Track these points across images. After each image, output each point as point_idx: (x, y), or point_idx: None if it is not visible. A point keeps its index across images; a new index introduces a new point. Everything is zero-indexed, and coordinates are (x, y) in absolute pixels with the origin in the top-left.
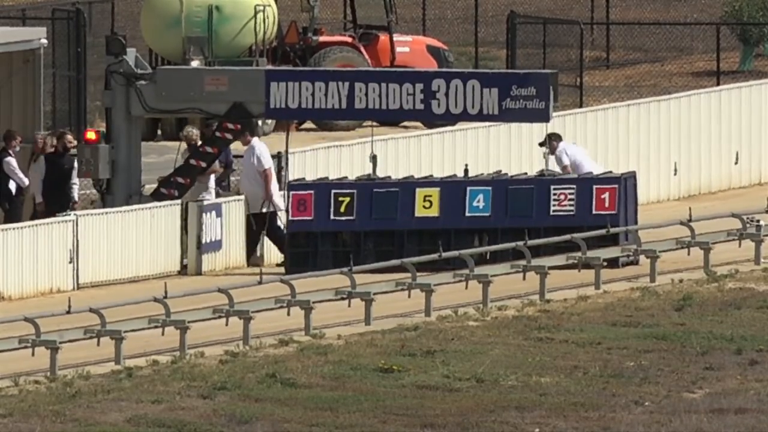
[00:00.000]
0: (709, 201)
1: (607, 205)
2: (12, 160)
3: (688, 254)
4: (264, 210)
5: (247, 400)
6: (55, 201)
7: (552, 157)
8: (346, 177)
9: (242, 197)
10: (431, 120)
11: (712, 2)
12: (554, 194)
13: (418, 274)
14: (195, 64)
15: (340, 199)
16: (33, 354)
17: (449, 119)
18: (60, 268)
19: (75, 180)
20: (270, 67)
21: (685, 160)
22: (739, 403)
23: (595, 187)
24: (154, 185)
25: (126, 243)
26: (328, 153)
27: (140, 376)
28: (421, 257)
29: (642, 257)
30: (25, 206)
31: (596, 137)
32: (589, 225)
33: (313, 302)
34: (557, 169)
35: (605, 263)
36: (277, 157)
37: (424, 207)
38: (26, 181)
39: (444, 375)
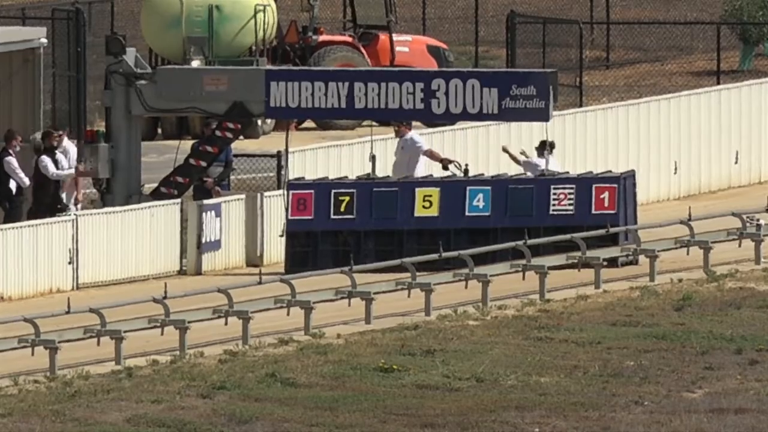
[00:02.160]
0: (709, 200)
1: (606, 204)
2: (13, 160)
3: (688, 254)
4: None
5: (246, 400)
6: (40, 202)
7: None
8: (346, 176)
9: (243, 197)
10: (431, 120)
11: (712, 2)
12: (554, 194)
13: (417, 273)
14: (195, 63)
15: (340, 198)
16: (33, 354)
17: (449, 119)
18: (60, 268)
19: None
20: (270, 66)
21: (685, 159)
22: (738, 402)
23: (594, 186)
24: (154, 185)
25: (126, 243)
26: (328, 153)
27: (140, 375)
28: (421, 257)
29: (641, 257)
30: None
31: (596, 137)
32: (589, 225)
33: (313, 302)
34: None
35: (605, 263)
36: (277, 156)
37: (423, 207)
38: (27, 181)
39: (444, 375)
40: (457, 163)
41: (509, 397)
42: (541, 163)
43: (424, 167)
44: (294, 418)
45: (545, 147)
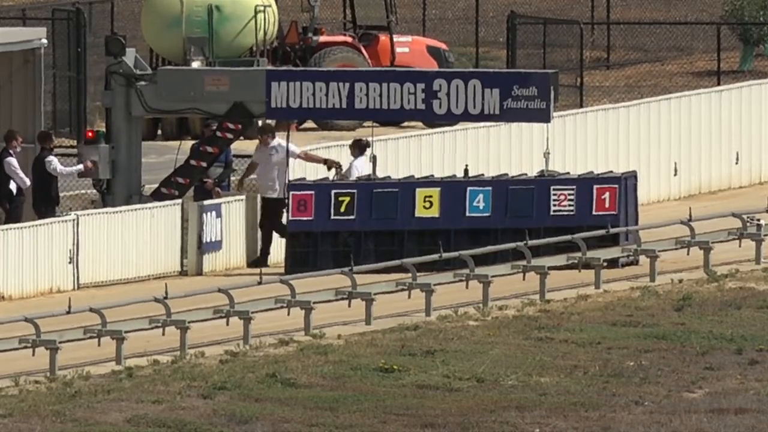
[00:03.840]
0: (709, 201)
1: (607, 205)
2: (13, 160)
3: (688, 254)
4: None
5: (247, 400)
6: (41, 202)
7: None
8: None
9: (243, 197)
10: (432, 120)
11: (712, 2)
12: (554, 194)
13: (418, 274)
14: (195, 64)
15: (341, 199)
16: (33, 354)
17: (451, 119)
18: (60, 268)
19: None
20: (271, 67)
21: (686, 160)
22: (739, 403)
23: (595, 187)
24: (155, 185)
25: (126, 243)
26: (328, 153)
27: (140, 376)
28: (421, 257)
29: (642, 257)
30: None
31: (596, 137)
32: (590, 225)
33: (314, 302)
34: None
35: (605, 263)
36: None
37: (424, 207)
38: (27, 182)
39: (444, 375)
40: (338, 165)
41: (509, 397)
42: (355, 165)
43: (287, 173)
44: (294, 419)
45: (357, 147)
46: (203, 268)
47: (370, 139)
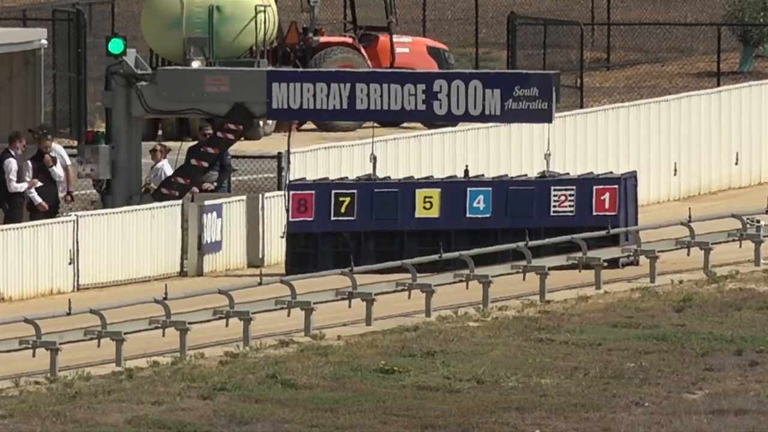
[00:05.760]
0: (709, 201)
1: (607, 205)
2: (11, 163)
3: (688, 255)
4: None
5: (247, 401)
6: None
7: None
8: (347, 177)
9: (244, 198)
10: (433, 121)
11: (712, 3)
12: (554, 195)
13: (418, 274)
14: (196, 64)
15: (341, 199)
16: (33, 355)
17: (451, 120)
18: (60, 269)
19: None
20: (272, 67)
21: (686, 160)
22: (739, 404)
23: (595, 187)
24: (155, 185)
25: (126, 243)
26: (328, 153)
27: (141, 377)
28: (421, 258)
29: (642, 258)
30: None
31: (597, 138)
32: (590, 225)
33: (314, 303)
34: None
35: (605, 264)
36: (278, 157)
37: (424, 208)
38: (19, 188)
39: (444, 376)
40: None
41: (510, 398)
42: (159, 167)
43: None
44: (294, 419)
45: (157, 153)
46: (203, 269)
47: (370, 139)
